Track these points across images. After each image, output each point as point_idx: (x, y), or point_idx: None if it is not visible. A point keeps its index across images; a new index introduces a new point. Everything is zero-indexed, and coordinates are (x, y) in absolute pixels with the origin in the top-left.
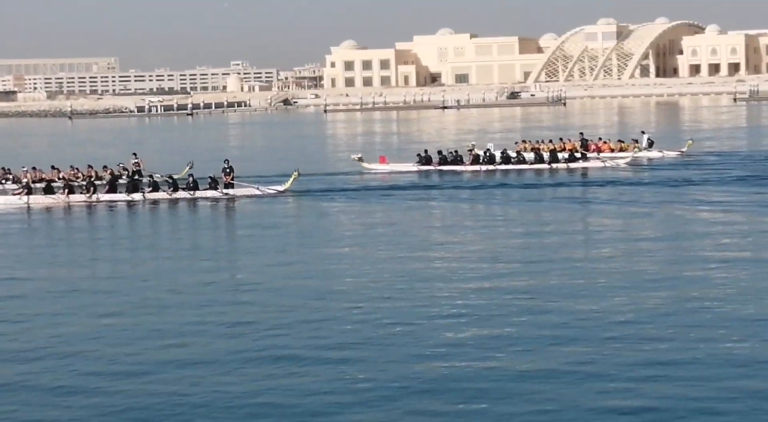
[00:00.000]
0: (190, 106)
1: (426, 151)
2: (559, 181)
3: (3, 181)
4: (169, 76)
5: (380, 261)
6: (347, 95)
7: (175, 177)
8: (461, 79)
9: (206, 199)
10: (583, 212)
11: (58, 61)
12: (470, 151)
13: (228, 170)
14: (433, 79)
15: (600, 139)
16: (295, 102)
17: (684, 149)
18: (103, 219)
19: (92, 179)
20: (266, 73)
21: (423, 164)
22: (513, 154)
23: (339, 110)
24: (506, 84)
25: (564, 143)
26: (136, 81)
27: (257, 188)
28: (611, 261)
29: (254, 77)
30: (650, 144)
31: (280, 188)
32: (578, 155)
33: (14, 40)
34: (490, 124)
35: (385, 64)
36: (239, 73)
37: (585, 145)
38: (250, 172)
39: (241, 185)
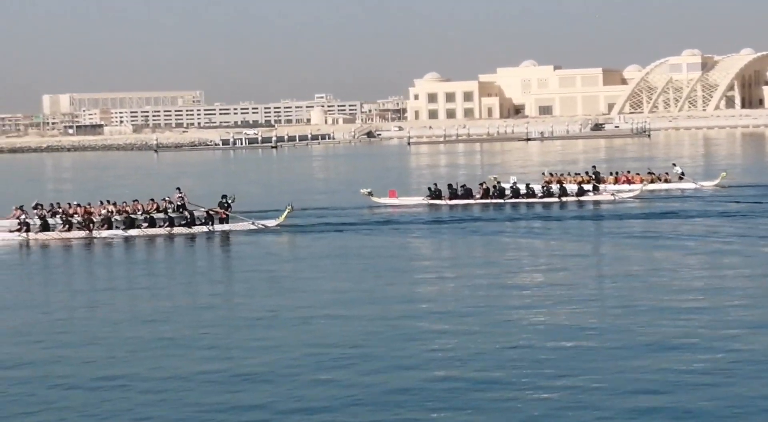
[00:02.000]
0: (274, 138)
1: (436, 185)
2: (564, 213)
3: (53, 216)
4: (253, 108)
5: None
6: (431, 127)
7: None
8: (545, 110)
9: (203, 233)
10: (580, 243)
11: (144, 94)
12: (481, 184)
13: (225, 205)
14: (517, 110)
15: (628, 171)
16: (378, 134)
17: (717, 181)
18: (98, 255)
19: (108, 215)
20: (350, 105)
21: (433, 198)
22: (522, 188)
23: (422, 142)
24: (590, 115)
25: (590, 176)
26: (221, 114)
27: (252, 222)
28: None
29: (338, 110)
30: (681, 176)
31: (273, 222)
32: (588, 188)
33: (101, 74)
34: (573, 156)
35: (468, 96)
36: (323, 106)
37: (598, 177)
38: (329, 203)
39: (235, 219)
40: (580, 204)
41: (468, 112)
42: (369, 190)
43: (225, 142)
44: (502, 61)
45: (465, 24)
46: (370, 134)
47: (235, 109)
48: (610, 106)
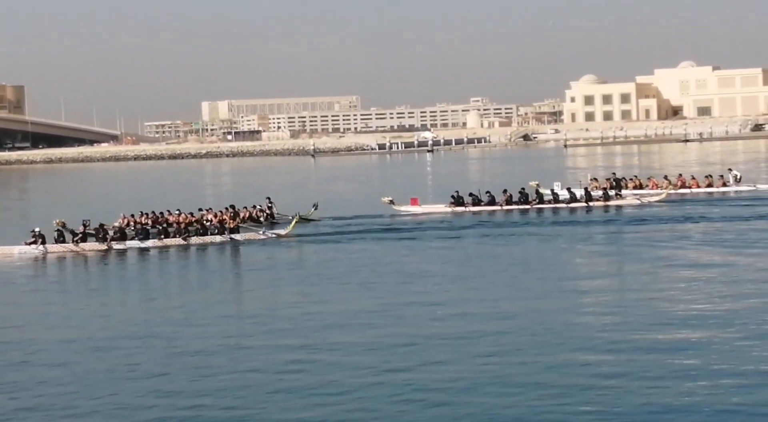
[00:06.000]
0: (430, 142)
1: (457, 192)
2: (589, 218)
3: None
4: (409, 113)
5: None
6: (587, 130)
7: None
8: (703, 111)
9: (214, 243)
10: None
11: (301, 100)
12: (504, 191)
13: (233, 215)
14: (675, 112)
15: (681, 175)
16: (535, 137)
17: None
18: (109, 266)
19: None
20: (506, 108)
21: (455, 205)
22: (548, 193)
23: (579, 145)
24: (750, 116)
25: (652, 181)
26: (377, 118)
27: (262, 233)
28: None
29: (494, 113)
30: (738, 179)
31: (282, 232)
32: (612, 193)
33: (259, 80)
34: (732, 157)
35: (625, 98)
36: (479, 110)
37: (618, 184)
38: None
39: (247, 229)
40: (606, 208)
41: (625, 114)
42: (390, 199)
43: (381, 147)
44: (660, 62)
45: (621, 25)
46: (526, 137)
47: (391, 113)
48: None
